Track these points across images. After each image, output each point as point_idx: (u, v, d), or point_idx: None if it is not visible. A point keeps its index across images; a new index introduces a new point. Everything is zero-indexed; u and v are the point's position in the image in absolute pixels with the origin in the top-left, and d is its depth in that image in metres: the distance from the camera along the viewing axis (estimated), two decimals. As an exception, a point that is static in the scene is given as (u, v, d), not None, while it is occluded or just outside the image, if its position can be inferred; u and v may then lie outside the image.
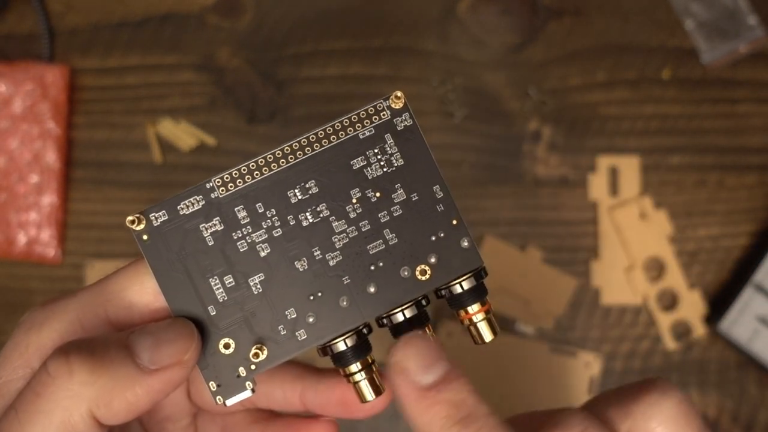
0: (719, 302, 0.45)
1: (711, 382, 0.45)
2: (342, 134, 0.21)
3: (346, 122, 0.21)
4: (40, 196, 0.45)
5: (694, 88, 0.46)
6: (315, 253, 0.21)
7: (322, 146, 0.21)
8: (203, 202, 0.21)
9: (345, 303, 0.21)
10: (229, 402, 0.21)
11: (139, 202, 0.46)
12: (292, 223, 0.21)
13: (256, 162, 0.21)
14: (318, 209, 0.21)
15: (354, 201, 0.21)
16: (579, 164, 0.46)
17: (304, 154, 0.21)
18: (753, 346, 0.44)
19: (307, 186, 0.21)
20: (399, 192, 0.22)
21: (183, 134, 0.46)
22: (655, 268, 0.45)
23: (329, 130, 0.21)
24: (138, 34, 0.47)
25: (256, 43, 0.47)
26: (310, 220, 0.21)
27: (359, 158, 0.21)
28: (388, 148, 0.22)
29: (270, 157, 0.21)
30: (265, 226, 0.21)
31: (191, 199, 0.21)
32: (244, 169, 0.21)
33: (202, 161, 0.46)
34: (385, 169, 0.22)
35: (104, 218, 0.46)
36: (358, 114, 0.22)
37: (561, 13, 0.47)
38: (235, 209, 0.21)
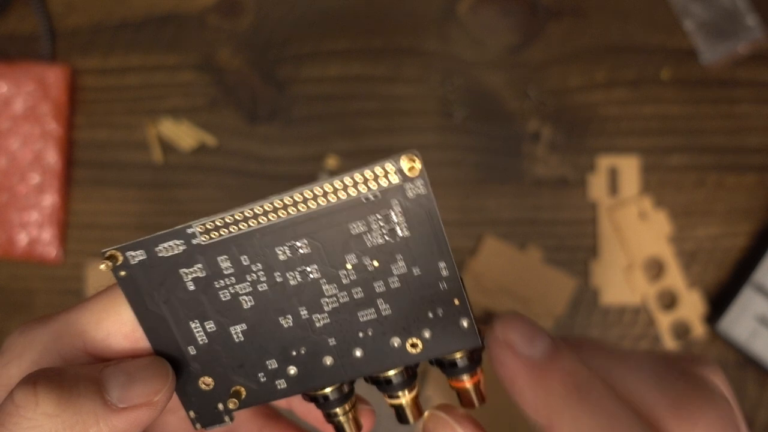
0: (718, 302, 0.45)
1: (710, 382, 0.45)
2: (343, 194, 0.19)
3: (349, 181, 0.19)
4: (41, 196, 0.45)
5: (693, 89, 0.46)
6: (302, 313, 0.20)
7: (319, 204, 0.19)
8: (183, 247, 0.19)
9: (329, 362, 0.20)
10: (209, 429, 0.21)
11: (139, 201, 0.46)
12: (279, 280, 0.20)
13: (243, 212, 0.20)
14: (308, 270, 0.20)
15: (349, 267, 0.20)
16: (578, 164, 0.46)
17: (298, 210, 0.19)
18: (752, 346, 0.44)
19: (297, 245, 0.19)
20: (400, 264, 0.19)
21: (184, 134, 0.46)
22: (655, 268, 0.45)
23: (329, 187, 0.19)
24: (139, 35, 0.47)
25: (256, 43, 0.47)
26: (299, 280, 0.20)
27: (359, 222, 0.19)
28: (394, 217, 0.19)
29: (259, 209, 0.20)
30: (249, 280, 0.20)
31: (171, 243, 0.19)
32: (229, 218, 0.20)
33: (202, 161, 0.46)
34: (387, 239, 0.19)
35: (105, 218, 0.46)
36: (363, 173, 0.19)
37: (561, 13, 0.47)
38: (218, 258, 0.20)
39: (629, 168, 0.46)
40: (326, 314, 0.20)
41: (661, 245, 0.45)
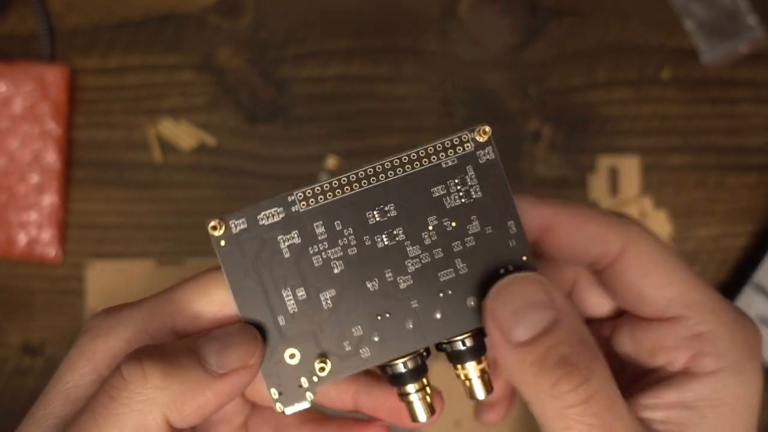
0: (719, 302, 0.45)
1: (711, 382, 0.45)
2: (426, 161, 0.22)
3: (431, 150, 0.22)
4: (41, 196, 0.45)
5: (693, 88, 0.46)
6: (387, 275, 0.21)
7: (405, 171, 0.22)
8: (283, 215, 0.21)
9: (410, 326, 0.22)
10: (289, 411, 0.21)
11: (139, 202, 0.46)
12: (367, 243, 0.21)
13: (339, 180, 0.21)
14: (394, 233, 0.21)
15: (430, 228, 0.22)
16: (579, 164, 0.46)
17: (387, 177, 0.22)
18: (753, 346, 0.44)
19: (386, 209, 0.21)
20: (474, 224, 0.22)
21: (183, 134, 0.46)
22: (655, 268, 0.45)
23: (414, 155, 0.22)
24: (138, 34, 0.47)
25: (256, 43, 0.47)
26: (386, 243, 0.21)
27: (440, 186, 0.22)
28: (469, 180, 0.22)
29: (353, 177, 0.22)
30: (341, 244, 0.21)
31: (272, 210, 0.21)
32: (326, 186, 0.21)
33: (202, 161, 0.46)
34: (463, 200, 0.22)
35: (105, 218, 0.46)
36: (443, 143, 0.22)
37: (561, 13, 0.47)
38: (314, 224, 0.21)
39: (630, 168, 0.46)
40: (410, 276, 0.22)
41: (662, 245, 0.45)
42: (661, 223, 0.45)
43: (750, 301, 0.44)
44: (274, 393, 0.21)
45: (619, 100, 0.46)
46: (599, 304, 0.25)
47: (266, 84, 0.46)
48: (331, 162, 0.46)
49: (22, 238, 0.45)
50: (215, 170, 0.46)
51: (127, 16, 0.47)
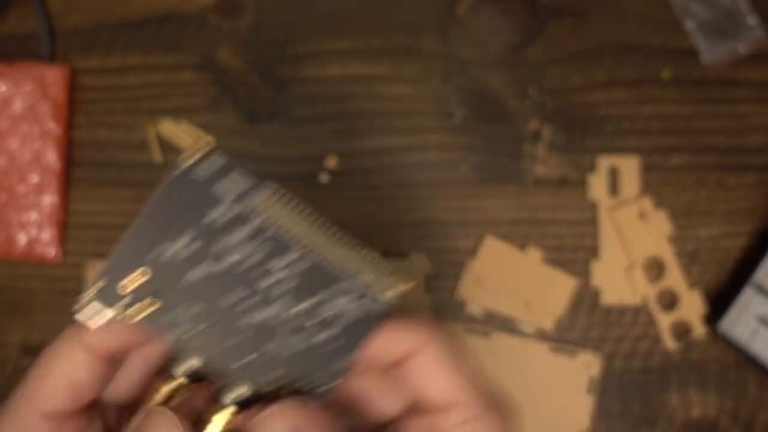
0: (719, 302, 0.45)
1: (711, 382, 0.45)
2: (341, 274, 0.24)
3: (353, 257, 0.24)
4: (41, 196, 0.45)
5: (693, 89, 0.46)
6: (242, 296, 0.24)
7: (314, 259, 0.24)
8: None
9: (231, 344, 0.23)
10: (81, 315, 0.23)
11: (139, 202, 0.46)
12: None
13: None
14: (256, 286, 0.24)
15: (293, 312, 0.24)
16: (579, 164, 0.46)
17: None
18: (753, 346, 0.44)
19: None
20: (324, 334, 0.25)
21: (183, 134, 0.46)
22: (655, 268, 0.45)
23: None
24: (138, 35, 0.47)
25: (256, 43, 0.47)
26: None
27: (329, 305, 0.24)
28: (347, 313, 0.24)
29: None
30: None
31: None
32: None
33: (202, 161, 0.46)
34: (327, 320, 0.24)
35: (105, 218, 0.46)
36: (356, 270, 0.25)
37: (561, 13, 0.47)
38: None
39: (630, 168, 0.46)
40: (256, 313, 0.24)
41: (662, 245, 0.45)
42: (661, 223, 0.45)
43: (751, 301, 0.44)
44: (89, 294, 0.23)
45: (619, 100, 0.46)
46: (386, 406, 0.27)
47: (266, 84, 0.46)
48: (331, 162, 0.46)
49: (22, 238, 0.45)
50: (215, 170, 0.46)
51: (127, 16, 0.47)
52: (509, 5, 0.47)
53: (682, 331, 0.45)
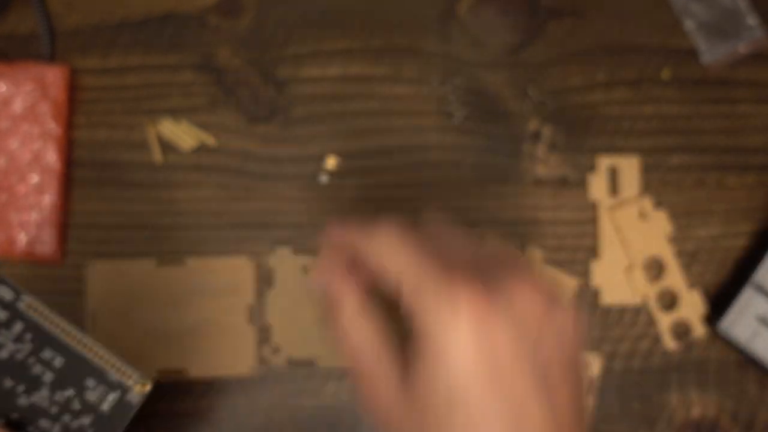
0: (719, 302, 0.45)
1: (711, 382, 0.45)
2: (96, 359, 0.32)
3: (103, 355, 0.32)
4: (41, 196, 0.45)
5: (693, 89, 0.46)
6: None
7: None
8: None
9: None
10: None
11: (139, 202, 0.46)
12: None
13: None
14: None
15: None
16: (579, 164, 0.46)
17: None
18: (753, 346, 0.44)
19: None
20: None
21: (183, 134, 0.46)
22: (655, 268, 0.45)
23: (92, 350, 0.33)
24: (138, 35, 0.47)
25: (256, 43, 0.47)
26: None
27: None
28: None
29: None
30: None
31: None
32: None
33: (202, 161, 0.46)
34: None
35: (105, 218, 0.46)
36: (115, 362, 0.32)
37: (561, 13, 0.47)
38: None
39: (630, 168, 0.46)
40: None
41: (662, 245, 0.45)
42: (661, 223, 0.45)
43: (750, 301, 0.44)
44: None
45: (619, 100, 0.46)
46: None
47: (266, 84, 0.46)
48: (331, 162, 0.46)
49: (22, 238, 0.45)
50: (215, 170, 0.46)
51: (128, 17, 0.47)
52: (509, 5, 0.47)
53: (682, 331, 0.45)
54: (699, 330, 0.45)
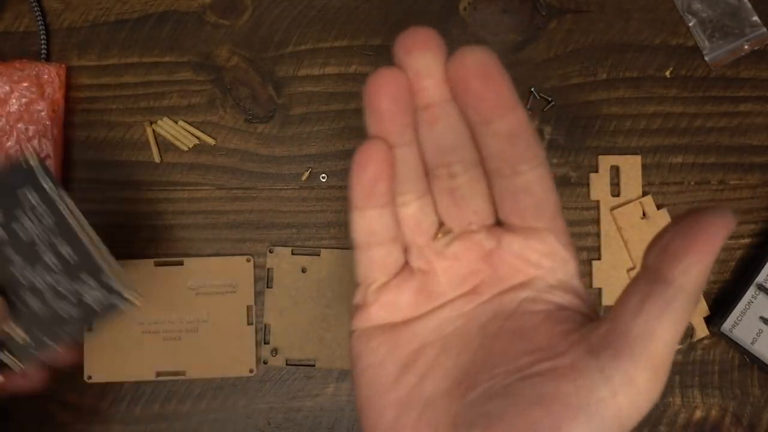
0: (722, 303, 0.45)
1: (713, 383, 0.45)
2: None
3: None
4: (37, 196, 0.44)
5: (696, 87, 0.46)
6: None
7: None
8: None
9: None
10: None
11: (139, 202, 0.45)
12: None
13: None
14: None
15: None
16: (581, 164, 0.46)
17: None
18: (756, 347, 0.43)
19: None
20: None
21: (181, 133, 0.45)
22: (658, 269, 0.45)
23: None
24: (136, 33, 0.46)
25: (255, 41, 0.46)
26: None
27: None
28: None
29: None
30: None
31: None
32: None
33: (200, 160, 0.46)
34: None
35: (103, 218, 0.45)
36: None
37: (562, 11, 0.47)
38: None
39: (632, 167, 0.45)
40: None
41: (664, 245, 0.45)
42: (663, 223, 0.45)
43: (752, 301, 0.43)
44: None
45: (621, 99, 0.46)
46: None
47: (265, 83, 0.46)
48: (330, 162, 0.45)
49: (18, 239, 0.44)
50: (213, 169, 0.46)
51: (125, 14, 0.46)
52: (510, 3, 0.46)
53: (685, 331, 0.45)
54: (702, 331, 0.45)
